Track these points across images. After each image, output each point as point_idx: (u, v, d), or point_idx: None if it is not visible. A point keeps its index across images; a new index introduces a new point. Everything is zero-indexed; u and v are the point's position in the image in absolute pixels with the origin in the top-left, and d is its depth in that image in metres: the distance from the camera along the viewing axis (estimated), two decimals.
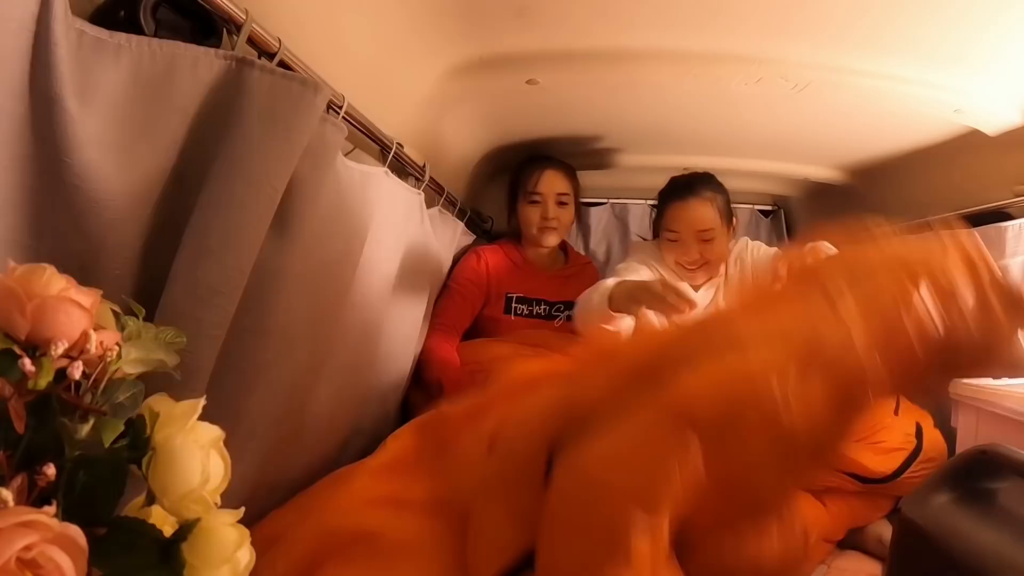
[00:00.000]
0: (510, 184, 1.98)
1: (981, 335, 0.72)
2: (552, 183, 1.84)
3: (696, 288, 1.64)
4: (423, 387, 1.71)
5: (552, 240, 1.89)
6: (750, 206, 2.83)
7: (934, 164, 1.82)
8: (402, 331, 1.56)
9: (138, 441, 0.45)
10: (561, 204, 1.86)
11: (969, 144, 1.61)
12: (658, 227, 1.71)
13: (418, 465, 1.07)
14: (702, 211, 1.60)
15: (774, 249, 1.71)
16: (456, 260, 1.93)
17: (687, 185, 1.65)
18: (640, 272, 1.61)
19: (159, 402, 0.47)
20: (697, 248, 1.60)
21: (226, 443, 0.48)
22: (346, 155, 1.06)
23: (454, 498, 0.92)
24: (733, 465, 0.70)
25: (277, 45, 0.80)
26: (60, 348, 0.41)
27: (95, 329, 0.43)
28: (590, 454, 0.74)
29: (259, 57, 0.79)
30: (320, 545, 0.82)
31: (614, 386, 0.81)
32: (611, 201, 2.77)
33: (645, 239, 1.92)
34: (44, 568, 0.34)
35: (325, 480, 1.05)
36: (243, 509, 0.47)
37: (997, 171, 1.62)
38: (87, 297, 0.44)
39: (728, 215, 1.68)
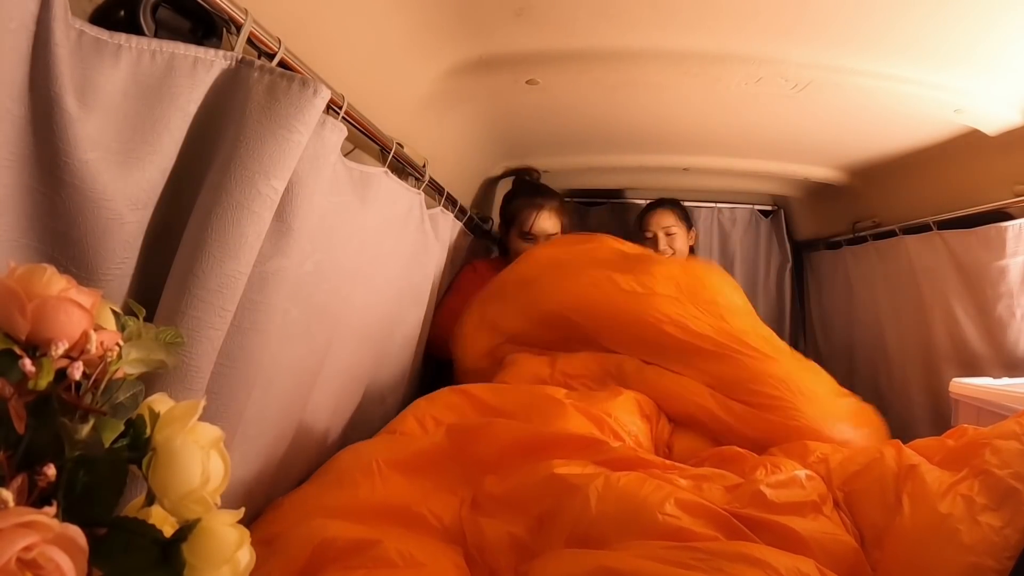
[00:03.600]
0: (502, 210, 2.07)
1: None
2: (545, 225, 1.97)
3: None
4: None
5: None
6: (750, 206, 2.83)
7: (934, 164, 1.82)
8: (402, 331, 1.56)
9: (138, 441, 0.45)
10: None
11: (969, 144, 1.61)
12: (637, 233, 2.32)
13: (443, 475, 1.00)
14: (665, 216, 2.27)
15: None
16: (453, 266, 1.97)
17: (658, 201, 2.36)
18: None
19: (159, 402, 0.47)
20: (665, 241, 2.24)
21: (226, 443, 0.48)
22: (346, 155, 1.06)
23: (479, 556, 0.87)
24: None
25: (277, 45, 0.81)
26: (60, 348, 0.41)
27: (95, 329, 0.43)
28: None
29: (259, 57, 0.79)
30: (318, 553, 0.78)
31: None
32: (611, 201, 2.77)
33: None
34: (44, 568, 0.34)
35: (330, 476, 0.98)
36: (243, 509, 0.47)
37: (997, 171, 1.62)
38: (87, 297, 0.44)
39: (686, 219, 2.33)
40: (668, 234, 2.25)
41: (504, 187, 2.33)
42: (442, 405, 1.21)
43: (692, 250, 2.37)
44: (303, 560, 0.78)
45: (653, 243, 2.25)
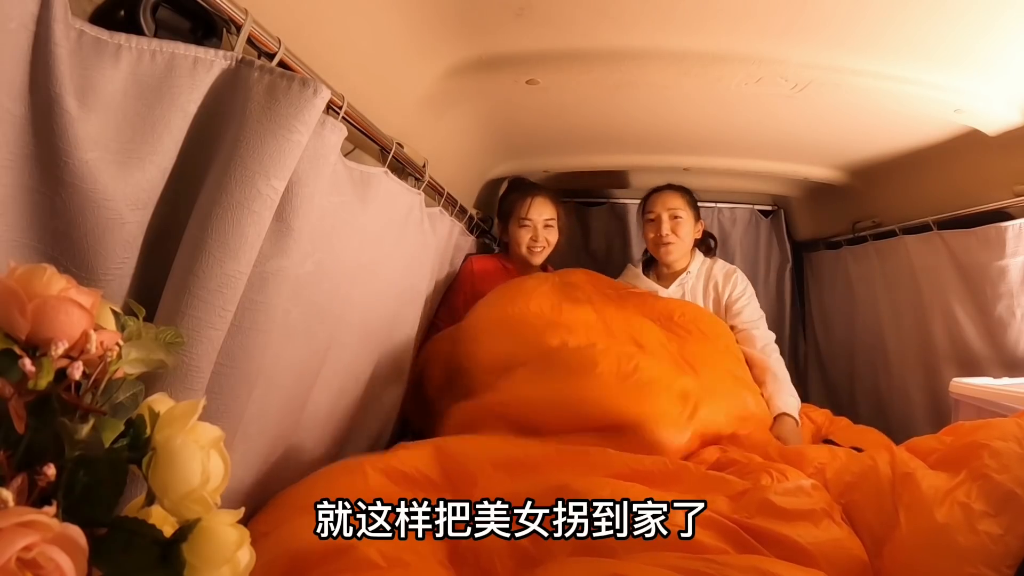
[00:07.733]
0: (500, 205, 2.17)
1: None
2: (540, 210, 2.06)
3: (666, 285, 2.09)
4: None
5: (539, 259, 2.10)
6: (750, 206, 2.83)
7: (934, 164, 1.82)
8: (401, 331, 1.56)
9: (138, 441, 0.45)
10: (548, 227, 2.08)
11: (969, 144, 1.61)
12: (640, 218, 2.17)
13: (431, 482, 1.00)
14: (673, 197, 2.07)
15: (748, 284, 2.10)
16: (453, 266, 2.00)
17: (666, 184, 2.15)
18: None
19: (159, 402, 0.47)
20: (669, 224, 2.03)
21: (226, 443, 0.48)
22: (346, 155, 1.06)
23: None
24: None
25: (277, 45, 0.81)
26: (60, 348, 0.41)
27: (95, 329, 0.43)
28: None
29: (259, 57, 0.79)
30: (297, 562, 0.76)
31: None
32: (611, 201, 2.78)
33: (633, 266, 2.27)
34: (44, 568, 0.34)
35: (320, 473, 0.98)
36: (243, 509, 0.47)
37: (997, 171, 1.62)
38: (87, 297, 0.44)
39: (695, 207, 2.11)
40: (673, 216, 2.02)
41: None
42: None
43: (698, 244, 2.15)
44: (281, 569, 0.76)
45: (655, 226, 2.03)
